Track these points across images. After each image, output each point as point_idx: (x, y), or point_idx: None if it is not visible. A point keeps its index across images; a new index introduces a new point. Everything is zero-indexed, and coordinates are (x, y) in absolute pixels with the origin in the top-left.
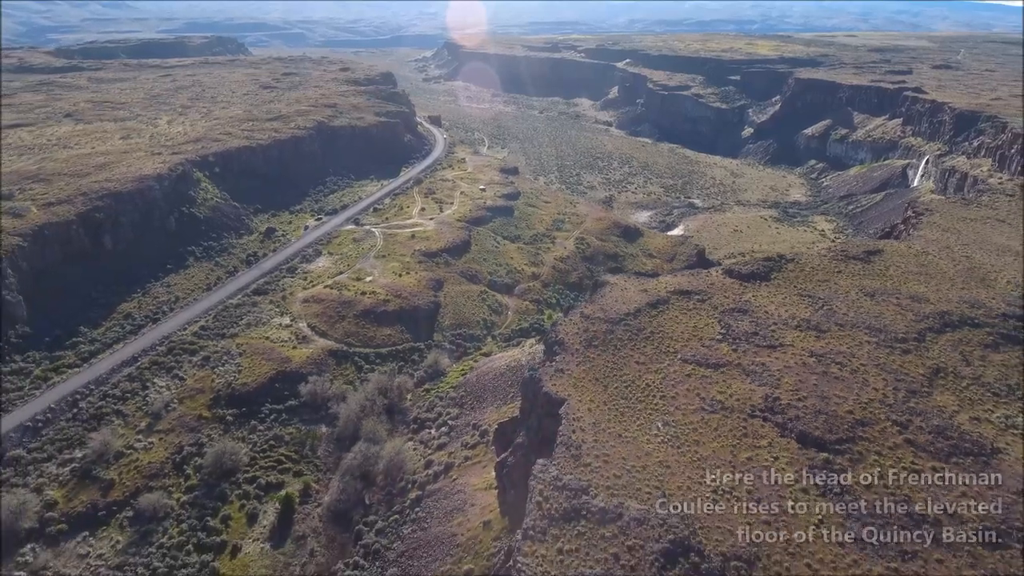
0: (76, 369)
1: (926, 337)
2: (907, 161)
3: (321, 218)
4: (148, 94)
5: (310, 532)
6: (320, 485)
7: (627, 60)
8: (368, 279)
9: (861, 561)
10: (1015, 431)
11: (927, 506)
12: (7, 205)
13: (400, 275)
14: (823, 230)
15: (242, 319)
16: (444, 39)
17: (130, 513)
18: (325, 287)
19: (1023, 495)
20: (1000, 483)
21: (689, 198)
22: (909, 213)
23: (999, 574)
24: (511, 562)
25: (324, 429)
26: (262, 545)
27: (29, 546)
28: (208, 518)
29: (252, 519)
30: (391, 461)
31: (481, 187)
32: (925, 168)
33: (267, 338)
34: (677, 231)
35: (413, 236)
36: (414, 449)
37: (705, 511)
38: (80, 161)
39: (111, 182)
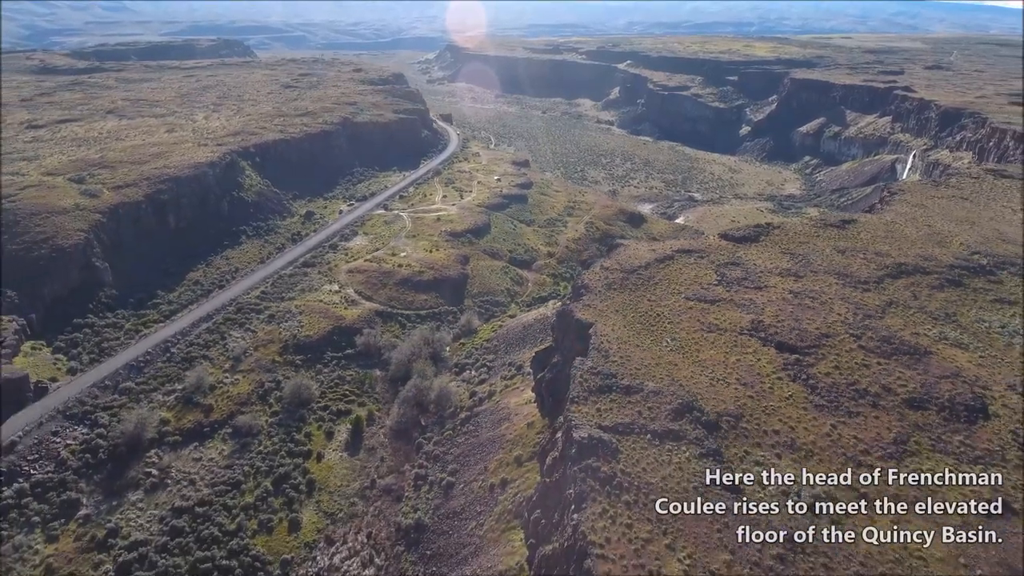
0: (161, 324)
1: (884, 281)
2: (896, 156)
3: (353, 204)
4: (178, 93)
5: (378, 445)
6: (381, 413)
7: (627, 62)
8: (402, 254)
9: (817, 418)
10: (946, 341)
11: (869, 384)
12: (83, 187)
13: (430, 251)
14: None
15: (296, 286)
16: (445, 42)
17: (229, 430)
18: (365, 260)
19: (943, 379)
20: (929, 368)
21: (689, 192)
22: (885, 193)
23: (917, 425)
24: (557, 435)
25: (378, 372)
26: (341, 454)
27: (153, 451)
28: (294, 433)
29: (329, 436)
30: (440, 392)
31: (496, 178)
32: (912, 162)
33: (321, 301)
34: (678, 221)
35: (438, 219)
36: (457, 386)
37: (704, 388)
38: (137, 151)
39: (169, 168)
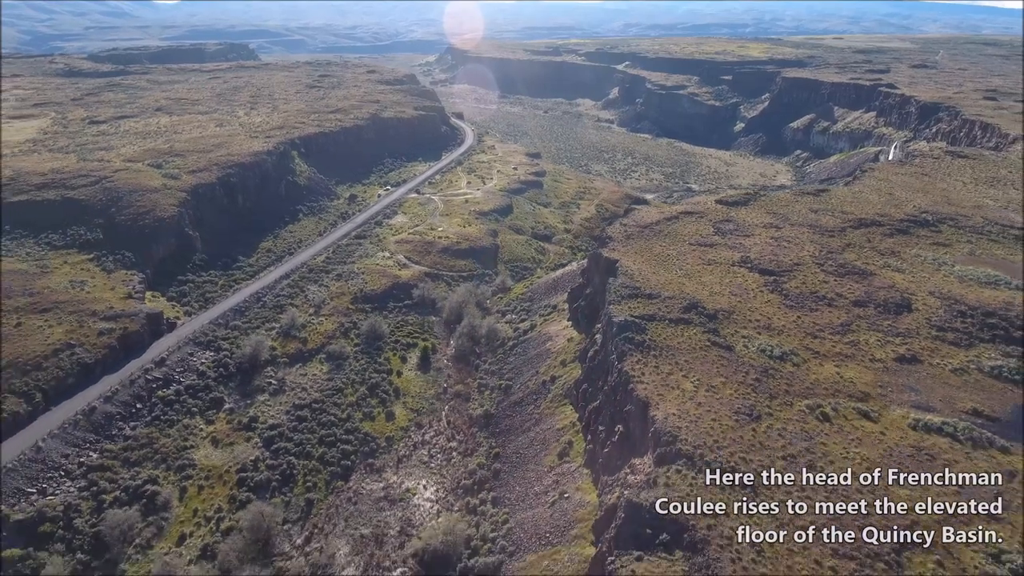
0: (248, 281)
1: (846, 230)
2: (879, 148)
3: (388, 189)
4: (213, 93)
5: (444, 366)
6: (441, 345)
7: (626, 63)
8: (440, 229)
9: (787, 312)
10: (888, 268)
11: (826, 292)
12: (164, 171)
13: (464, 227)
14: None
15: (354, 253)
16: (443, 45)
17: (324, 355)
18: (409, 234)
19: (881, 289)
20: (872, 284)
21: (687, 184)
22: (857, 172)
23: (859, 316)
24: (596, 337)
25: (434, 318)
26: (415, 372)
27: (268, 368)
28: (375, 357)
29: (403, 360)
30: (489, 329)
31: (513, 167)
32: (894, 153)
33: (378, 264)
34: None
35: (466, 201)
36: (502, 325)
37: (705, 296)
38: (200, 142)
39: (233, 156)
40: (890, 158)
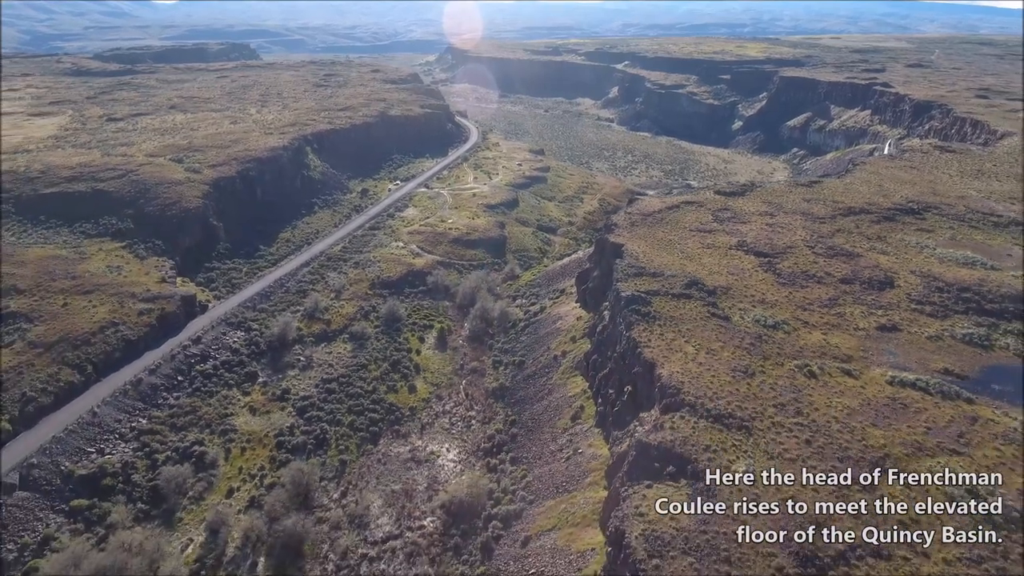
0: (271, 268)
1: (836, 217)
2: (874, 145)
3: (398, 183)
4: (223, 91)
5: (459, 346)
6: (456, 327)
7: (625, 62)
8: (450, 221)
9: (780, 289)
10: (874, 251)
11: (816, 271)
12: (185, 165)
13: (472, 219)
14: None
15: (369, 243)
16: (442, 44)
17: (347, 335)
18: (421, 225)
19: (866, 268)
20: (859, 264)
21: (686, 180)
22: (850, 166)
23: (845, 292)
24: (604, 313)
25: (447, 303)
26: (433, 351)
27: (296, 347)
28: (395, 337)
29: (421, 340)
30: (501, 312)
31: (517, 163)
32: (888, 150)
33: (393, 253)
34: None
35: (474, 195)
36: (513, 309)
37: (704, 275)
38: (217, 138)
39: (250, 151)
40: (884, 155)
